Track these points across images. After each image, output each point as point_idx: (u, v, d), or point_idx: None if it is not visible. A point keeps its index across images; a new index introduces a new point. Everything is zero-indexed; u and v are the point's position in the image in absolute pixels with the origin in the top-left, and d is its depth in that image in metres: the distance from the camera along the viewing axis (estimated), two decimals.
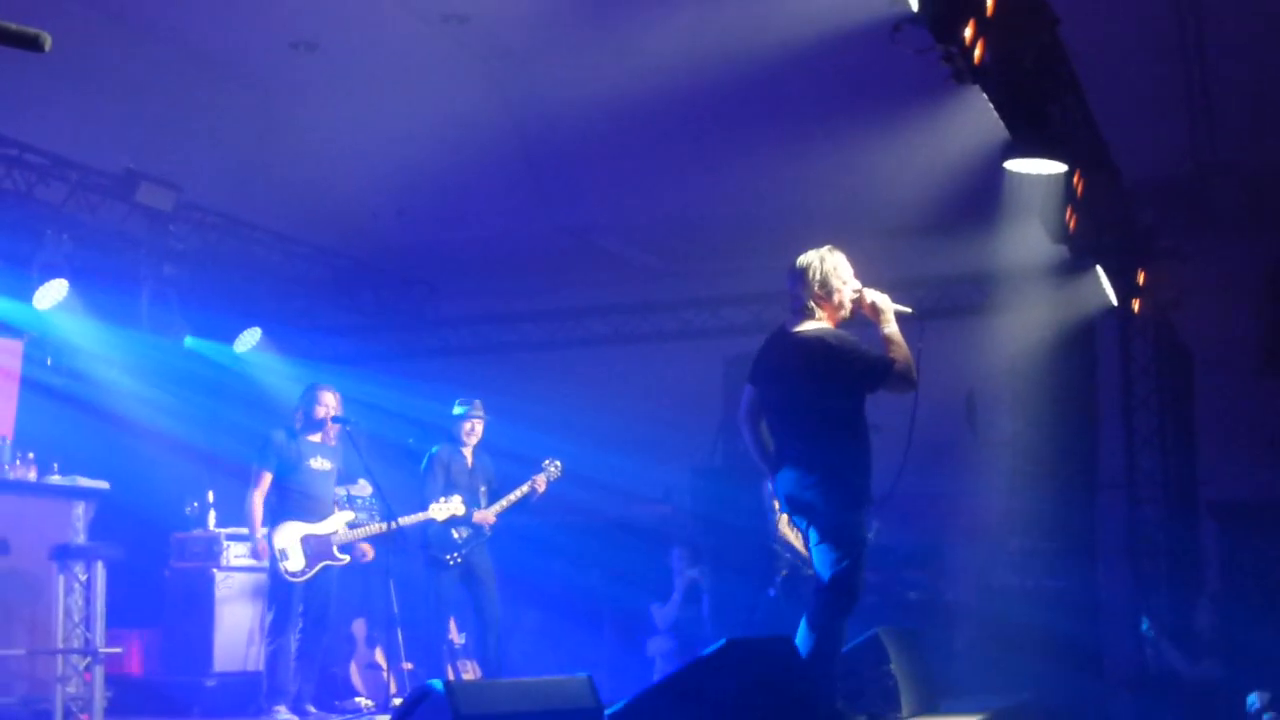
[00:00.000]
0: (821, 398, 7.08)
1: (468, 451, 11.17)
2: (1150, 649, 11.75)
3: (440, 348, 16.27)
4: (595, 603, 13.69)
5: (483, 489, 11.13)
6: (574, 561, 13.57)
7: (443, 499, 10.78)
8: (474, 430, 11.18)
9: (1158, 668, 11.64)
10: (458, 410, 11.20)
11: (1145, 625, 11.59)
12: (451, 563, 10.89)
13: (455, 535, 10.88)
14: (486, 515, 10.98)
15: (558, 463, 11.25)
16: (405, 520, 10.51)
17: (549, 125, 11.96)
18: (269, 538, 10.36)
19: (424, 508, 10.74)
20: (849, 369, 7.03)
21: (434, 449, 11.15)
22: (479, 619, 11.06)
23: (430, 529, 10.90)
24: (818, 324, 7.17)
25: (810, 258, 7.23)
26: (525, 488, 11.12)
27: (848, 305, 7.21)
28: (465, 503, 10.87)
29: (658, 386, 14.43)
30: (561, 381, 14.97)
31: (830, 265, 7.19)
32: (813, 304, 7.18)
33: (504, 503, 11.09)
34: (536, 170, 12.77)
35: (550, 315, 15.80)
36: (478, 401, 11.25)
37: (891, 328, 7.13)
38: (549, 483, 11.16)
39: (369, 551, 10.87)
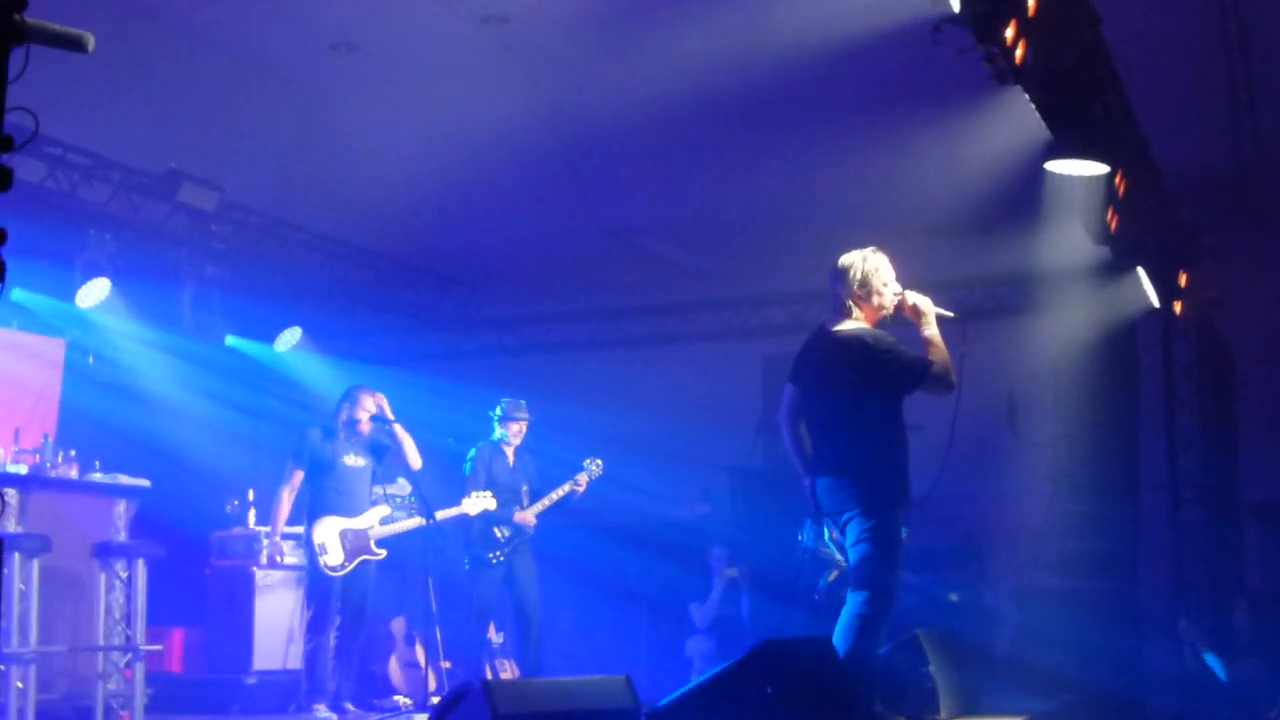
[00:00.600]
0: (858, 398, 7.07)
1: (509, 451, 11.20)
2: (1187, 649, 11.68)
3: (480, 348, 16.31)
4: (634, 602, 13.69)
5: (524, 488, 11.15)
6: (613, 561, 13.57)
7: (475, 493, 10.81)
8: (519, 431, 11.21)
9: (1195, 669, 11.56)
10: (500, 411, 11.23)
11: (1181, 625, 11.52)
12: (494, 561, 10.92)
13: (498, 534, 10.91)
14: (526, 516, 11.00)
15: (599, 462, 11.26)
16: (441, 515, 10.53)
17: (589, 126, 11.97)
18: (308, 533, 10.41)
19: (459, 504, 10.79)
20: (886, 369, 7.02)
21: (475, 448, 11.18)
22: (519, 618, 11.08)
23: (473, 528, 10.93)
24: (857, 324, 7.17)
25: (852, 258, 7.23)
26: (566, 487, 11.14)
27: (889, 306, 7.20)
28: (505, 501, 10.90)
29: (697, 387, 14.43)
30: (601, 382, 14.99)
31: (872, 266, 7.20)
32: (852, 304, 7.19)
33: (545, 502, 11.10)
34: (576, 170, 12.78)
35: (590, 315, 15.81)
36: (523, 403, 11.28)
37: (932, 330, 7.12)
38: (590, 482, 11.18)
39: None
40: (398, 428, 10.63)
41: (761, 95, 10.94)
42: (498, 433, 11.23)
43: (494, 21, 10.73)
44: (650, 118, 11.21)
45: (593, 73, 11.30)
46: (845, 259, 7.25)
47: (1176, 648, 11.85)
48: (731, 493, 14.11)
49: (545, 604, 11.24)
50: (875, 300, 7.18)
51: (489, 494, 10.84)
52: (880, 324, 7.23)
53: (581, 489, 11.15)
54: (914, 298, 7.20)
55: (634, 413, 14.05)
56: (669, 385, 14.54)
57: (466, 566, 11.06)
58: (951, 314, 7.26)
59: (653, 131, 11.44)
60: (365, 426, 10.59)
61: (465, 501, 10.77)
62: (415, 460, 10.64)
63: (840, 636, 6.99)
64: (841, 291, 7.22)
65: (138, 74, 10.51)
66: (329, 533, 10.37)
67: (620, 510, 13.34)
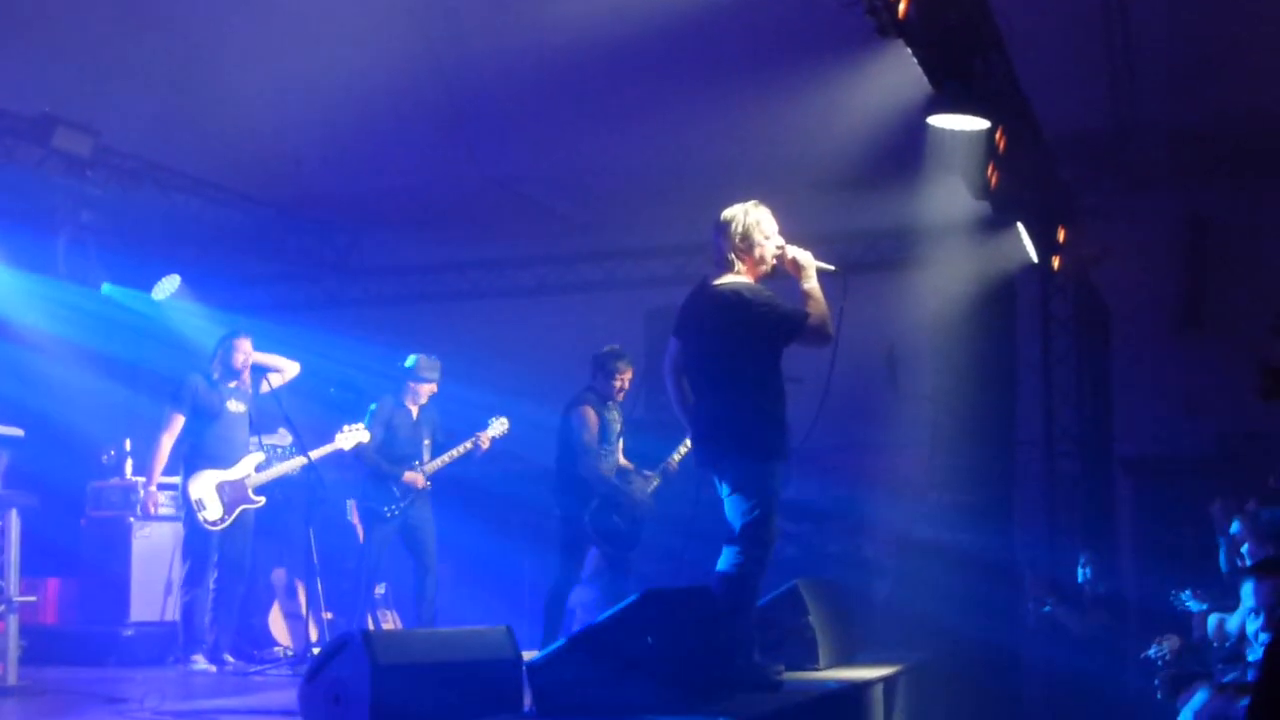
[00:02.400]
0: (734, 350, 7.13)
1: (412, 407, 11.10)
2: (1032, 603, 11.95)
3: (363, 297, 16.22)
4: (516, 555, 13.68)
5: (426, 441, 11.09)
6: (496, 517, 13.55)
7: (347, 427, 10.73)
8: (423, 391, 11.11)
9: (1039, 623, 11.83)
10: (408, 363, 11.10)
11: (1028, 579, 11.75)
12: (389, 514, 10.85)
13: (395, 490, 10.84)
14: (415, 477, 10.91)
15: (504, 420, 11.21)
16: (315, 453, 10.47)
17: (473, 71, 11.89)
18: (184, 487, 10.32)
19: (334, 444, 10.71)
20: (762, 322, 7.08)
21: (375, 404, 11.07)
22: (416, 571, 11.01)
23: (370, 480, 10.85)
24: (737, 278, 7.21)
25: (734, 211, 7.28)
26: (468, 444, 11.07)
27: (769, 260, 7.26)
28: (405, 455, 10.83)
29: (580, 338, 14.34)
30: (484, 331, 14.95)
31: (753, 219, 7.24)
32: (734, 257, 7.24)
33: (441, 460, 11.04)
34: (460, 117, 12.70)
35: (474, 265, 15.76)
36: (437, 363, 11.17)
37: (812, 284, 7.18)
38: (493, 440, 11.13)
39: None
40: (260, 356, 10.58)
41: (646, 45, 10.91)
42: (407, 389, 11.10)
43: None
44: (535, 65, 11.18)
45: (479, 19, 11.23)
46: (728, 212, 7.29)
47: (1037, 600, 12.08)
48: None
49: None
50: (756, 253, 7.24)
51: (360, 425, 10.76)
52: (761, 278, 7.28)
53: (485, 447, 11.08)
54: (794, 251, 7.26)
55: (518, 363, 14.03)
56: (552, 336, 14.49)
57: (350, 519, 11.00)
58: (832, 267, 7.32)
59: (538, 79, 11.41)
60: (245, 372, 10.52)
61: (339, 436, 10.70)
62: (290, 367, 10.63)
63: (718, 586, 7.05)
64: (724, 245, 7.27)
65: (10, 14, 10.29)
66: (205, 487, 10.30)
67: (502, 460, 13.31)
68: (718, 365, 7.19)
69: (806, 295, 7.17)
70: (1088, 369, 13.55)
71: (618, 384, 10.17)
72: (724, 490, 7.16)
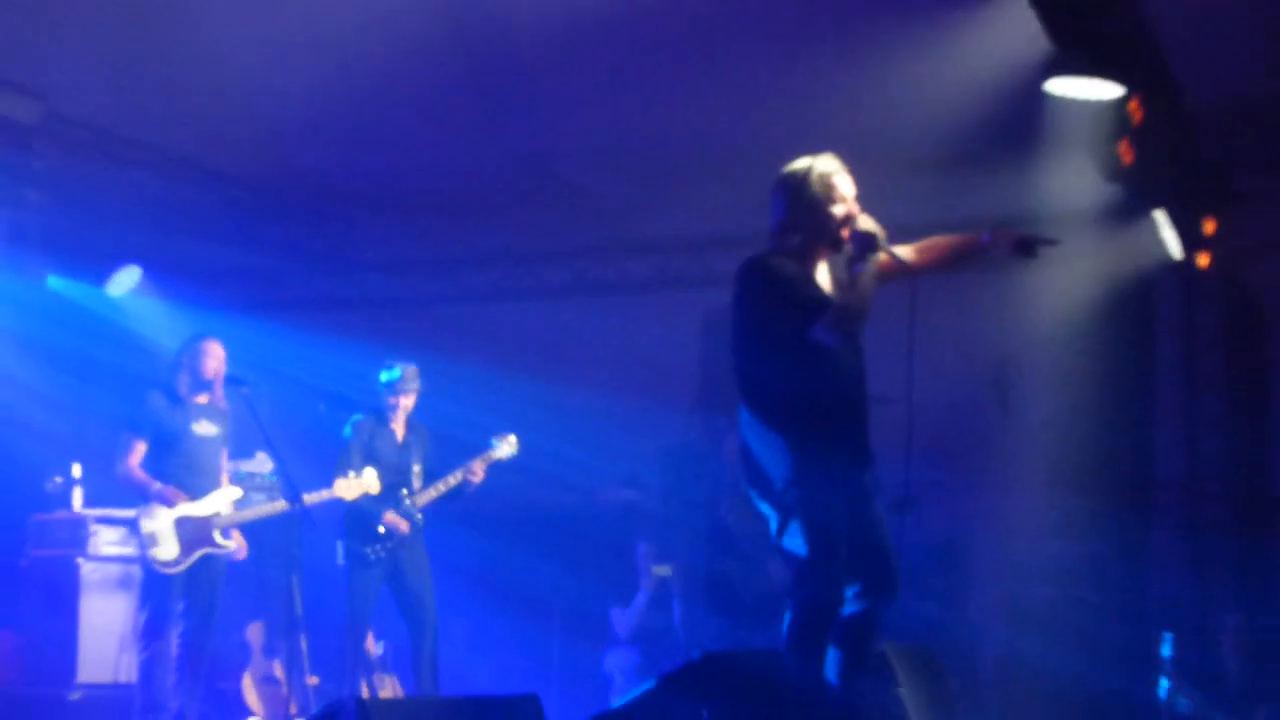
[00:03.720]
0: (743, 349, 7.13)
1: (397, 424, 11.19)
2: (1170, 698, 11.81)
3: (360, 298, 16.28)
4: (544, 607, 13.73)
5: (416, 468, 11.17)
6: (519, 558, 13.61)
7: (352, 474, 10.80)
8: (402, 405, 11.20)
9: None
10: (386, 376, 11.21)
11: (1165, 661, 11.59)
12: (374, 557, 10.92)
13: (380, 526, 10.90)
14: (397, 521, 10.97)
15: (511, 438, 11.27)
16: (309, 498, 10.52)
17: (498, 26, 11.92)
18: (135, 521, 10.38)
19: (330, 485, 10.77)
20: (764, 309, 7.04)
21: (355, 418, 11.17)
22: (410, 625, 11.10)
23: (350, 517, 10.92)
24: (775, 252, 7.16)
25: (797, 164, 7.19)
26: (459, 474, 11.14)
27: (835, 228, 7.15)
28: (391, 484, 10.90)
29: (623, 347, 14.45)
30: (507, 340, 15.01)
31: (821, 173, 7.18)
32: (791, 223, 7.17)
33: (435, 489, 11.11)
34: (482, 83, 12.73)
35: (496, 260, 15.80)
36: (413, 369, 11.27)
37: (867, 268, 7.05)
38: (497, 463, 11.18)
39: (240, 546, 10.78)
40: None
41: None
42: (383, 404, 11.21)
43: None
44: (569, 17, 11.17)
45: None
46: (790, 166, 7.23)
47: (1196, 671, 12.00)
48: (663, 475, 14.16)
49: (438, 608, 11.25)
50: (820, 219, 7.13)
51: (371, 473, 10.83)
52: (822, 255, 7.20)
53: (477, 478, 11.15)
54: (868, 222, 7.13)
55: (546, 378, 14.07)
56: (590, 344, 14.55)
57: (341, 562, 11.06)
58: (904, 258, 7.22)
59: (572, 34, 11.40)
60: (217, 384, 10.58)
61: (339, 483, 10.77)
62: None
63: (787, 648, 7.06)
64: (778, 207, 7.20)
65: None
66: (162, 521, 10.36)
67: (529, 497, 13.36)
68: (738, 369, 7.18)
69: (854, 280, 7.08)
70: (1241, 391, 13.47)
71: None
72: (770, 526, 7.17)
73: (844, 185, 7.16)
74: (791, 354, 7.00)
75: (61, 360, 13.43)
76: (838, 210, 7.10)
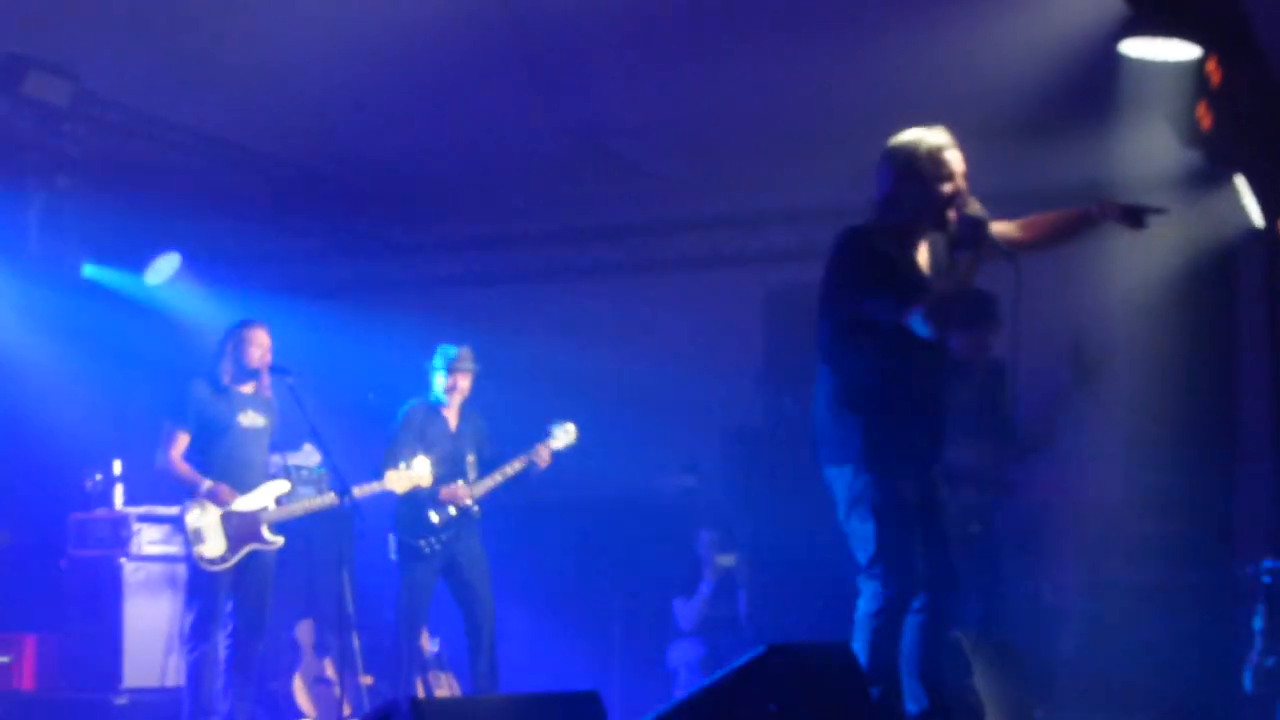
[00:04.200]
0: (830, 320, 7.16)
1: (450, 412, 11.22)
2: (1256, 658, 11.72)
3: (409, 280, 16.29)
4: (603, 600, 13.76)
5: (471, 458, 11.19)
6: (577, 549, 13.64)
7: (404, 465, 10.82)
8: (459, 386, 11.22)
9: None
10: (441, 356, 11.23)
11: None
12: (428, 550, 10.95)
13: (434, 517, 10.93)
14: (457, 492, 10.98)
15: (569, 427, 11.29)
16: (359, 491, 10.55)
17: None
18: (181, 518, 10.42)
19: (381, 476, 10.79)
20: (859, 284, 7.05)
21: (408, 405, 11.19)
22: (467, 621, 11.13)
23: (401, 508, 10.95)
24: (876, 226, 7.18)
25: (905, 135, 7.21)
26: (523, 460, 11.16)
27: (941, 206, 7.13)
28: (445, 474, 10.92)
29: (682, 327, 14.43)
30: (560, 321, 15.00)
31: (930, 146, 7.16)
32: (895, 198, 7.17)
33: (494, 479, 11.13)
34: (532, 56, 12.72)
35: (548, 239, 15.80)
36: (466, 350, 11.29)
37: (971, 256, 7.06)
38: (555, 453, 11.19)
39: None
40: None
41: None
42: (436, 388, 11.24)
43: None
44: None
45: None
46: (897, 137, 7.23)
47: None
48: (725, 461, 14.14)
49: (496, 602, 11.27)
50: (926, 194, 7.11)
51: (423, 462, 10.86)
52: (921, 234, 7.19)
53: (544, 463, 11.17)
54: (978, 208, 7.12)
55: (602, 360, 14.07)
56: (646, 325, 14.54)
57: (394, 556, 11.10)
58: (1009, 236, 7.23)
59: (629, 9, 11.40)
60: (263, 373, 10.62)
61: (389, 475, 10.80)
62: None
63: (859, 640, 7.08)
64: (882, 180, 7.21)
65: None
66: (208, 517, 10.41)
67: (585, 484, 13.38)
68: (820, 338, 7.21)
69: (955, 266, 7.11)
70: None
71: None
72: (839, 512, 7.19)
73: (954, 161, 7.16)
74: (880, 334, 7.03)
75: (99, 352, 13.49)
76: (946, 188, 7.11)
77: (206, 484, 10.44)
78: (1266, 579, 10.06)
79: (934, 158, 7.11)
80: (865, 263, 7.02)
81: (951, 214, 7.09)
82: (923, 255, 7.21)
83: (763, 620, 12.39)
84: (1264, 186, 12.15)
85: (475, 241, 16.05)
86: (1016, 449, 10.49)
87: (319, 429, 10.58)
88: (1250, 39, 10.63)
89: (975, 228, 7.01)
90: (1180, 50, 9.17)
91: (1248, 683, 9.72)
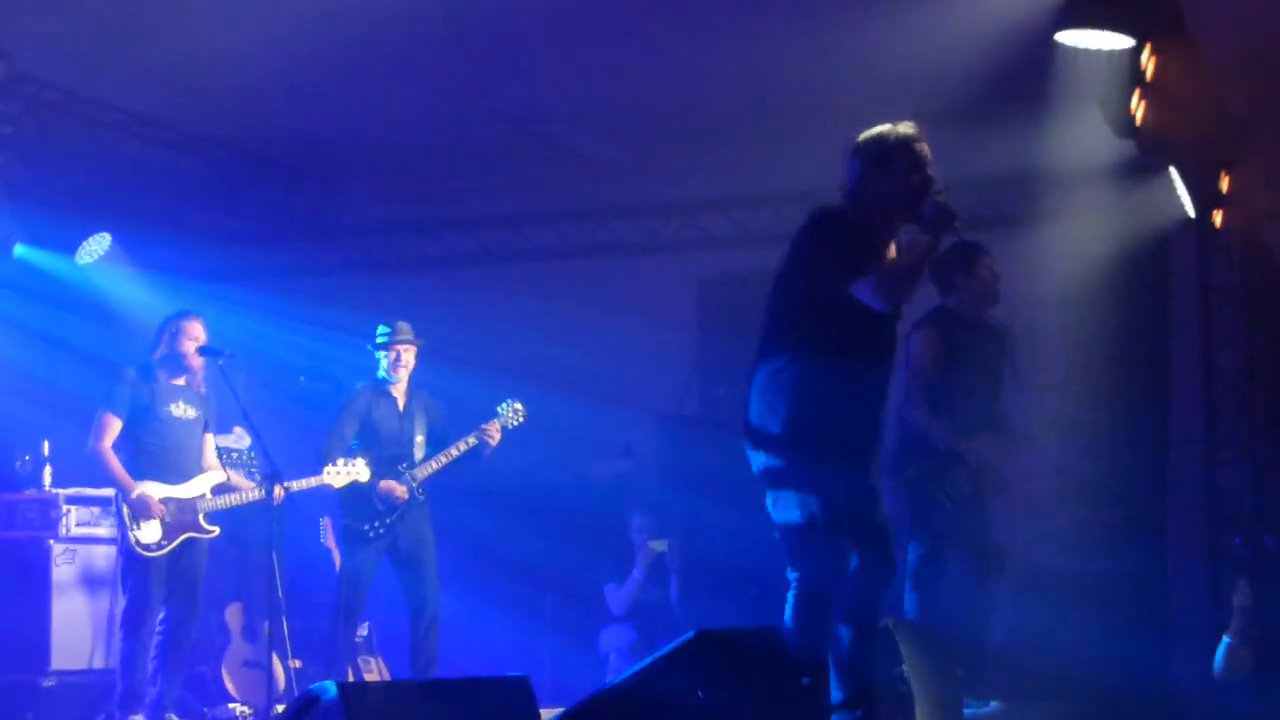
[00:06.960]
0: (785, 290, 7.17)
1: (398, 390, 11.13)
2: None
3: (342, 262, 16.23)
4: (535, 584, 13.74)
5: (419, 438, 11.11)
6: (509, 533, 13.60)
7: (342, 460, 10.77)
8: (403, 359, 11.14)
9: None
10: (380, 338, 11.15)
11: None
12: (372, 534, 10.89)
13: (379, 502, 10.86)
14: (394, 487, 10.93)
15: (518, 405, 11.24)
16: (295, 486, 10.50)
17: None
18: (117, 501, 10.36)
19: (318, 471, 10.74)
20: (824, 257, 7.05)
21: (355, 387, 11.11)
22: (410, 603, 11.06)
23: (344, 494, 10.89)
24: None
25: (875, 129, 7.23)
26: (471, 439, 11.09)
27: (910, 197, 7.13)
28: (391, 457, 10.87)
29: (616, 313, 14.41)
30: (495, 306, 14.98)
31: (898, 139, 7.18)
32: (864, 190, 7.18)
33: (440, 460, 11.06)
34: (466, 39, 12.68)
35: (482, 223, 15.76)
36: (405, 324, 11.21)
37: (929, 240, 7.09)
38: (504, 431, 11.14)
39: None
40: None
41: None
42: (381, 367, 11.16)
43: None
44: None
45: None
46: (868, 131, 7.24)
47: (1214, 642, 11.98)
48: (659, 447, 14.15)
49: None
50: (894, 185, 7.14)
51: (361, 462, 10.79)
52: (897, 220, 7.22)
53: (494, 441, 11.09)
54: (946, 200, 7.11)
55: (536, 345, 14.05)
56: (581, 311, 14.50)
57: (324, 540, 11.06)
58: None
59: None
60: (194, 363, 10.55)
61: (327, 470, 10.74)
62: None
63: (789, 624, 7.07)
64: (851, 170, 7.22)
65: None
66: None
67: (519, 469, 13.34)
68: (770, 311, 7.22)
69: (915, 247, 7.12)
70: (1260, 352, 13.45)
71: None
72: (768, 498, 7.19)
73: (923, 153, 7.17)
74: (835, 307, 7.02)
75: (29, 334, 13.40)
76: (914, 180, 7.12)
77: (135, 492, 10.38)
78: (1246, 553, 10.12)
79: (903, 150, 7.14)
80: (837, 235, 7.05)
81: (922, 205, 7.11)
82: (891, 251, 7.24)
83: (694, 606, 12.39)
84: (1196, 178, 12.22)
85: (410, 225, 16.00)
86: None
87: (249, 411, 10.53)
88: (1184, 32, 10.67)
89: (944, 217, 7.04)
90: (1115, 41, 9.20)
91: (1218, 664, 9.76)
